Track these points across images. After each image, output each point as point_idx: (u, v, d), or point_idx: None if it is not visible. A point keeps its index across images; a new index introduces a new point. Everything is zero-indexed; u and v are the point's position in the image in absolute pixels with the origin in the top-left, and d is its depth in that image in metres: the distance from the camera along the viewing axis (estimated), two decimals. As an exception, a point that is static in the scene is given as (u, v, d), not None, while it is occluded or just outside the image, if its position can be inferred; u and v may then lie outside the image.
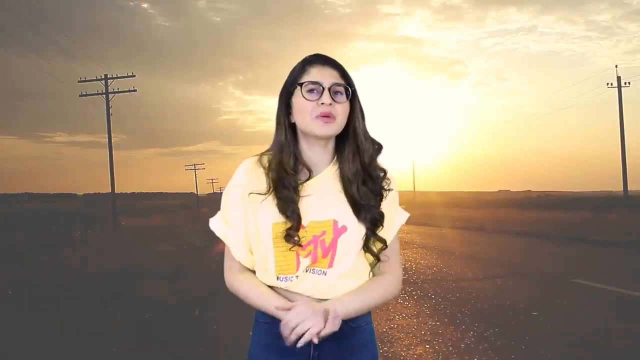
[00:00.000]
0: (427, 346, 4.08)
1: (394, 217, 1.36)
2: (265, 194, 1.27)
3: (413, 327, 4.65)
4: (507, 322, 4.75)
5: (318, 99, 1.26)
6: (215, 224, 1.36)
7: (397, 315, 5.08)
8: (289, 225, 1.24)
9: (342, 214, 1.27)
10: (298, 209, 1.25)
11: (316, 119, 1.26)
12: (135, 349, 4.06)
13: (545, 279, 7.23)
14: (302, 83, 1.28)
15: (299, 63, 1.33)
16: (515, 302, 5.60)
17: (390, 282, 1.34)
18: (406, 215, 1.39)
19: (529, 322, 4.73)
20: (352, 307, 1.25)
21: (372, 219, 1.28)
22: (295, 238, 1.24)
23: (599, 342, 4.11)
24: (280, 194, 1.26)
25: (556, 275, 7.41)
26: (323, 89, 1.26)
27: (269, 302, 1.25)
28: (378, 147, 1.35)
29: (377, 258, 1.31)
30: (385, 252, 1.34)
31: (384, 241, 1.31)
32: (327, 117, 1.26)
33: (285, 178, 1.27)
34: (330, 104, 1.26)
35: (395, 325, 4.71)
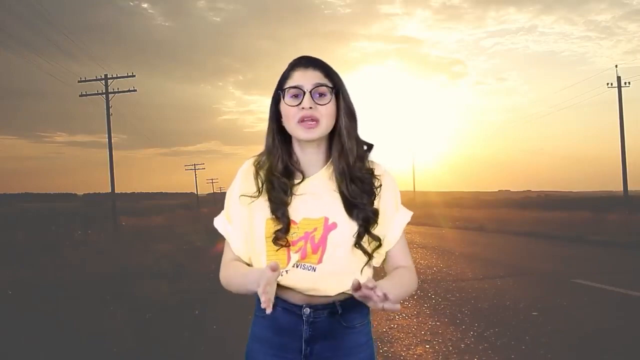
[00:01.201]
0: (427, 346, 4.08)
1: (396, 217, 1.35)
2: (255, 196, 1.31)
3: (413, 327, 4.65)
4: (507, 322, 4.75)
5: (299, 103, 1.27)
6: (219, 222, 1.40)
7: (397, 315, 5.08)
8: (279, 226, 1.26)
9: (334, 211, 1.28)
10: (287, 211, 1.27)
11: (299, 124, 1.27)
12: (135, 349, 4.06)
13: (545, 279, 7.23)
14: (285, 88, 1.29)
15: (286, 67, 1.34)
16: (515, 302, 5.60)
17: (410, 275, 1.34)
18: (409, 213, 1.39)
19: (529, 322, 4.73)
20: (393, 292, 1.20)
21: (364, 217, 1.28)
22: (282, 241, 1.26)
23: (599, 342, 4.11)
24: (271, 196, 1.29)
25: (556, 275, 7.41)
26: (304, 92, 1.27)
27: (247, 277, 1.24)
28: (367, 147, 1.35)
29: (369, 256, 1.30)
30: (394, 251, 1.35)
31: (378, 239, 1.30)
32: (310, 121, 1.26)
33: (274, 181, 1.30)
34: (311, 108, 1.26)
35: (395, 325, 4.71)
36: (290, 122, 1.28)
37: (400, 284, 1.29)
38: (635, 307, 5.40)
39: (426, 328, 4.62)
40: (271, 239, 1.27)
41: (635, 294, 5.87)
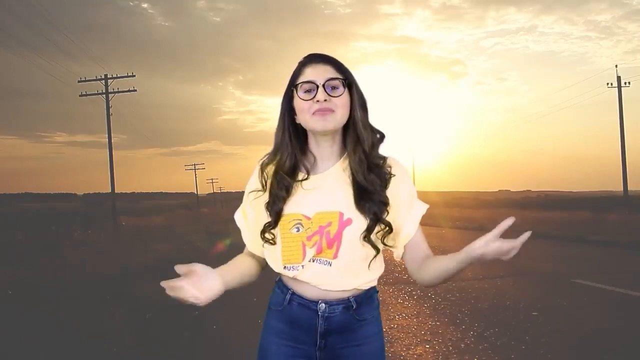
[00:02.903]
0: (427, 346, 4.08)
1: (412, 211, 1.36)
2: (261, 191, 1.35)
3: (413, 327, 4.65)
4: (507, 322, 4.75)
5: (313, 97, 1.29)
6: (237, 216, 1.45)
7: (397, 315, 5.08)
8: (269, 219, 1.31)
9: (348, 206, 1.29)
10: (282, 206, 1.30)
11: (313, 115, 1.29)
12: (135, 349, 4.06)
13: (545, 279, 7.22)
14: (298, 84, 1.31)
15: (297, 64, 1.36)
16: (515, 302, 5.60)
17: None
18: (425, 206, 1.40)
19: (529, 322, 4.73)
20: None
21: (376, 211, 1.29)
22: (267, 235, 1.32)
23: (598, 342, 4.11)
24: (272, 192, 1.32)
25: (556, 275, 7.41)
26: (317, 86, 1.29)
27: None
28: (380, 137, 1.37)
29: (377, 250, 1.31)
30: (414, 243, 1.36)
31: (388, 224, 1.30)
32: (324, 112, 1.28)
33: (279, 180, 1.32)
34: (326, 100, 1.28)
35: (395, 325, 4.71)
36: (305, 115, 1.30)
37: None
38: (635, 307, 5.40)
39: (426, 328, 4.62)
40: (285, 231, 1.30)
41: (635, 294, 5.87)
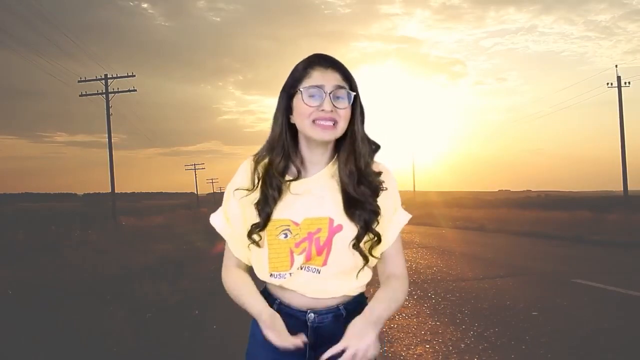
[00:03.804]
0: (427, 346, 4.08)
1: (394, 218, 1.35)
2: (249, 190, 1.30)
3: (413, 327, 4.65)
4: (507, 322, 4.75)
5: (319, 104, 1.25)
6: (216, 219, 1.38)
7: (397, 315, 5.07)
8: (257, 220, 1.27)
9: (338, 212, 1.27)
10: (272, 208, 1.26)
11: (315, 124, 1.25)
12: (135, 349, 4.06)
13: (545, 279, 7.22)
14: (304, 87, 1.26)
15: (301, 63, 1.31)
16: (515, 302, 5.60)
17: (402, 287, 1.33)
18: (408, 216, 1.38)
19: (529, 322, 4.73)
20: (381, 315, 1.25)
21: (366, 219, 1.27)
22: (255, 236, 1.27)
23: (599, 342, 4.11)
24: (264, 191, 1.28)
25: (556, 275, 7.41)
26: (325, 93, 1.25)
27: (249, 303, 1.28)
28: (375, 148, 1.34)
29: (366, 259, 1.29)
30: (389, 254, 1.34)
31: (377, 234, 1.29)
32: (327, 122, 1.25)
33: (270, 179, 1.28)
34: (332, 111, 1.25)
35: (395, 325, 4.71)
36: (305, 121, 1.26)
37: (394, 301, 1.29)
38: (635, 307, 5.40)
39: (426, 328, 4.62)
40: (272, 237, 1.27)
41: (635, 294, 5.87)
